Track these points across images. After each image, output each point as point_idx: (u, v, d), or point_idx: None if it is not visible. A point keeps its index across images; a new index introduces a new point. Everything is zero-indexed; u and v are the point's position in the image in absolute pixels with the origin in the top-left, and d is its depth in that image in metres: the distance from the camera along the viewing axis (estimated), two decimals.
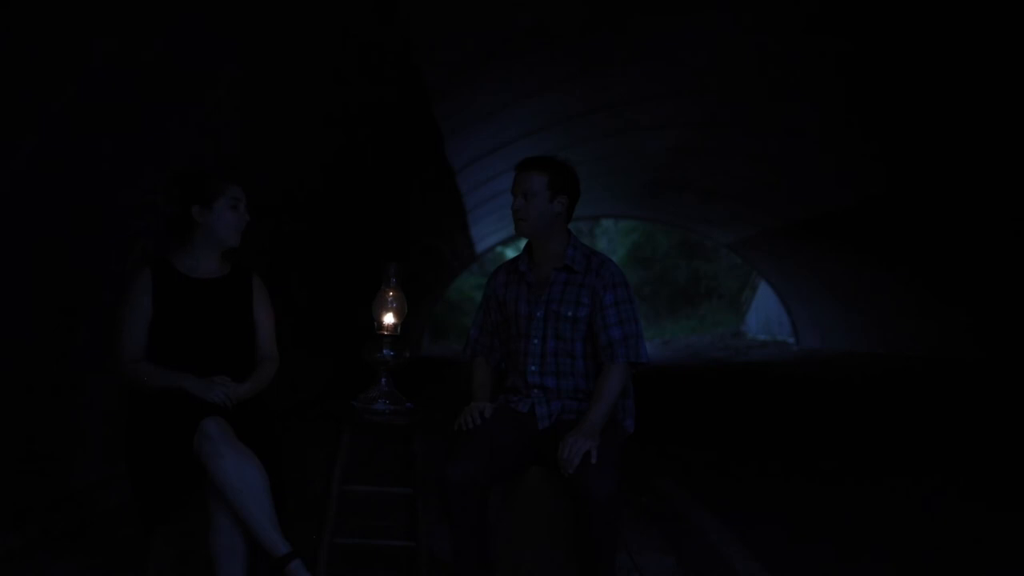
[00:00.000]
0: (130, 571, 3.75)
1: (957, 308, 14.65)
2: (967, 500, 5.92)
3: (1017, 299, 12.46)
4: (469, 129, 11.24)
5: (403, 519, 3.67)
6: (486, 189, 14.73)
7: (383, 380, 3.53)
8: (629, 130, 14.01)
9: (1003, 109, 9.76)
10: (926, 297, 15.55)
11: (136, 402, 3.41)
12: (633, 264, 32.30)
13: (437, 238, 17.27)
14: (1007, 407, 10.60)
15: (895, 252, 15.49)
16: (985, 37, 8.52)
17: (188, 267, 3.56)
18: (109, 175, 4.84)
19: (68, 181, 4.55)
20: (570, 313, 3.49)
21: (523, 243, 3.73)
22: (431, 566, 3.54)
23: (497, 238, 22.63)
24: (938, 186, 12.28)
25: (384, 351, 3.52)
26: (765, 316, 25.91)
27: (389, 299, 3.56)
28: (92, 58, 4.25)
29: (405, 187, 12.02)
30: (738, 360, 20.35)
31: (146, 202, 5.16)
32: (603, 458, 3.20)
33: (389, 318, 3.55)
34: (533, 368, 3.52)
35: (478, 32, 8.46)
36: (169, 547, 3.36)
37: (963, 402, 11.47)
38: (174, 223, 3.58)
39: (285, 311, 3.77)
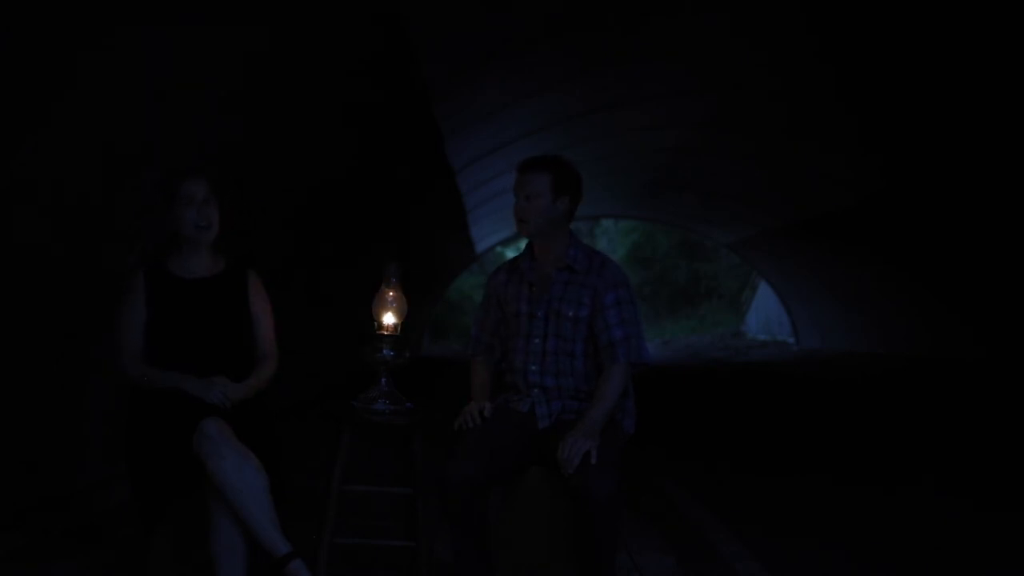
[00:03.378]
0: (130, 571, 3.75)
1: (957, 308, 14.64)
2: (967, 500, 5.92)
3: (1017, 299, 12.45)
4: (469, 129, 11.23)
5: (403, 519, 3.66)
6: (486, 189, 14.73)
7: (383, 380, 3.53)
8: (629, 130, 14.00)
9: (1004, 109, 9.75)
10: (926, 297, 15.54)
11: (136, 402, 3.41)
12: (633, 264, 32.27)
13: (437, 238, 17.27)
14: (1007, 407, 10.60)
15: (895, 252, 15.48)
16: (985, 35, 8.51)
17: (180, 269, 3.56)
18: (108, 175, 4.84)
19: (68, 181, 4.55)
20: (571, 313, 3.49)
21: (523, 243, 3.72)
22: (431, 566, 3.54)
23: (497, 238, 22.63)
24: (939, 186, 12.27)
25: (384, 351, 3.51)
26: (765, 316, 25.90)
27: (389, 299, 3.56)
28: (91, 58, 4.25)
29: (405, 187, 12.02)
30: (738, 360, 20.34)
31: (145, 203, 5.16)
32: (603, 458, 3.20)
33: (389, 318, 3.55)
34: (533, 367, 3.51)
35: (478, 32, 8.46)
36: (169, 547, 3.36)
37: (963, 402, 11.47)
38: (162, 228, 3.58)
39: (285, 311, 3.76)
